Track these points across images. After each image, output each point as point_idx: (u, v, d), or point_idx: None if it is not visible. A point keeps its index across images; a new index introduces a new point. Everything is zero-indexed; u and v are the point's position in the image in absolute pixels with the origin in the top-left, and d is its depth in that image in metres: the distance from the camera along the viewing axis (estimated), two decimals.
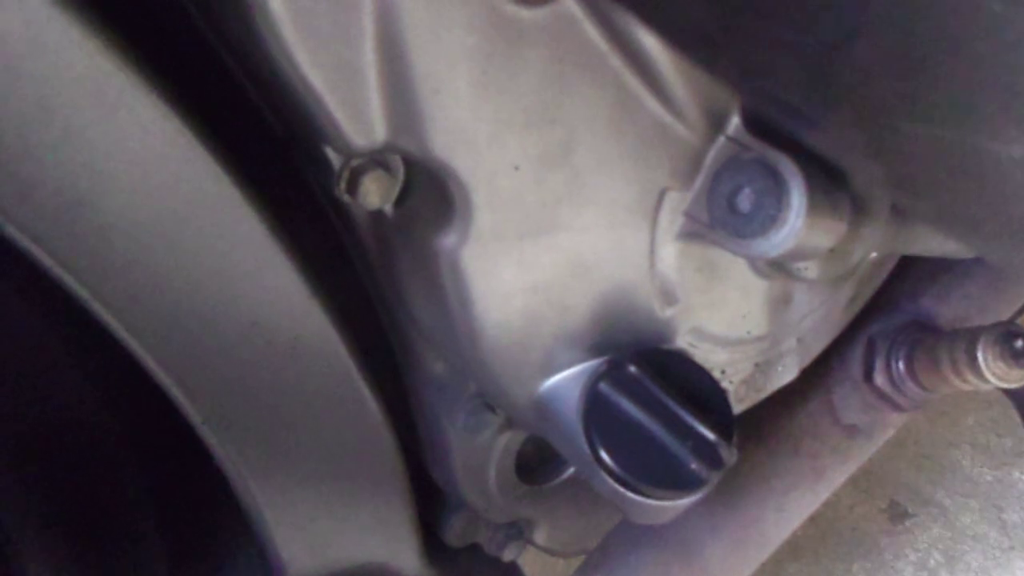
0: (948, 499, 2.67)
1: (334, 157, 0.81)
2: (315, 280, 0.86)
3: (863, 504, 2.63)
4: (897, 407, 1.36)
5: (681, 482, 0.89)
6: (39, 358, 1.05)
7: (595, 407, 0.91)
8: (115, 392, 1.09)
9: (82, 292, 0.73)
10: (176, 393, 0.83)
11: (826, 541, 2.52)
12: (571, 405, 0.94)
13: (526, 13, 0.76)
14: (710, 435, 0.89)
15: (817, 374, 1.37)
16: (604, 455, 0.90)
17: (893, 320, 1.37)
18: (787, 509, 1.42)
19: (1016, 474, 2.75)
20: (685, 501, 0.91)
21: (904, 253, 1.14)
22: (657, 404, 0.90)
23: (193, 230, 0.75)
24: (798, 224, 0.83)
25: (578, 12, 0.78)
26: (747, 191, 0.86)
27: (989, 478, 2.74)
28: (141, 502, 1.15)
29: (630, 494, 0.90)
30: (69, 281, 0.72)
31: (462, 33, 0.74)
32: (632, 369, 0.91)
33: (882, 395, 1.35)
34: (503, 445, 1.15)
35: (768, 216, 0.84)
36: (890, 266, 1.31)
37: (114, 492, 1.14)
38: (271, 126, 0.84)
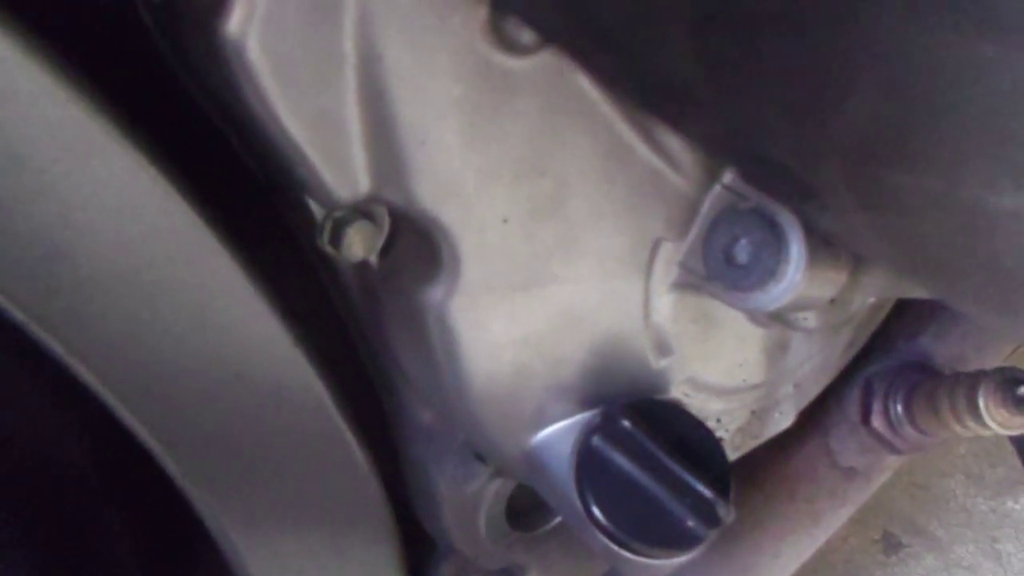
0: (942, 530, 2.65)
1: (316, 207, 0.79)
2: (299, 329, 0.83)
3: (856, 535, 2.61)
4: (895, 449, 1.35)
5: (676, 540, 0.87)
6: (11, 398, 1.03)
7: (588, 462, 0.89)
8: (90, 426, 1.07)
9: (56, 347, 0.71)
10: (155, 447, 0.81)
11: (818, 574, 2.50)
12: (563, 459, 0.91)
13: (515, 62, 0.74)
14: (707, 492, 0.87)
15: (813, 416, 1.36)
16: (597, 512, 0.87)
17: (890, 361, 1.36)
18: (783, 555, 1.41)
19: (1010, 504, 2.74)
20: (679, 560, 0.89)
21: (904, 297, 1.12)
22: (652, 459, 0.88)
23: (172, 281, 0.73)
24: (797, 277, 0.81)
25: (567, 61, 0.76)
26: (744, 242, 0.84)
27: (983, 508, 2.72)
28: (118, 542, 1.13)
29: (623, 552, 0.87)
30: (42, 336, 0.70)
31: (449, 83, 0.72)
32: (626, 423, 0.89)
33: (879, 438, 1.34)
34: (493, 492, 1.13)
35: (766, 269, 0.82)
36: (888, 308, 1.30)
37: (90, 531, 1.11)
38: (252, 172, 0.81)
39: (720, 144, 0.82)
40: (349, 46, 0.68)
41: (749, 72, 0.64)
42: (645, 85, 0.76)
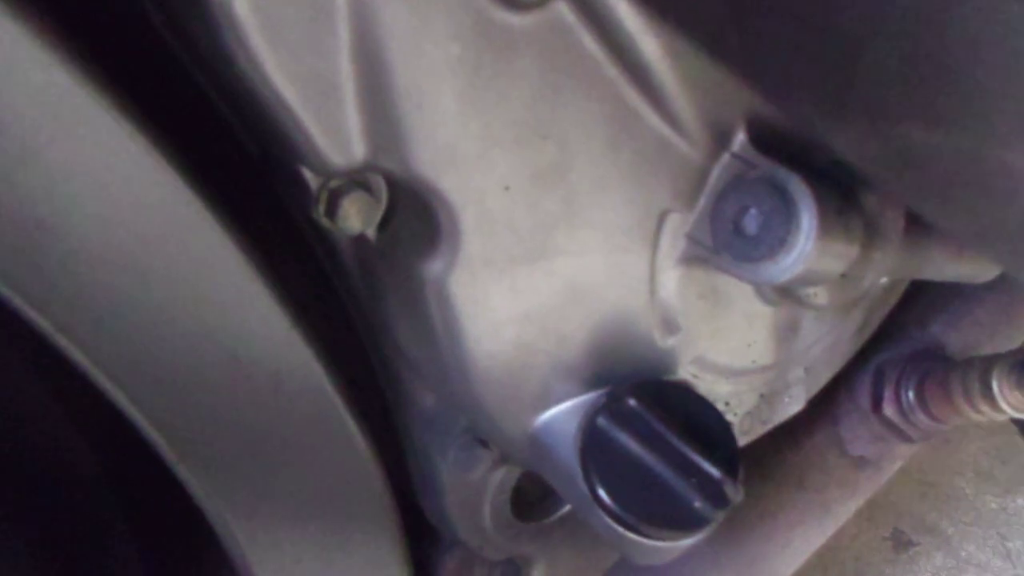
0: (951, 527, 2.65)
1: (311, 178, 0.77)
2: (296, 310, 0.82)
3: (866, 533, 2.61)
4: (906, 438, 1.34)
5: (684, 521, 0.86)
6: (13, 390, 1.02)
7: (593, 443, 0.88)
8: (94, 424, 1.06)
9: (44, 324, 0.69)
10: (150, 432, 0.79)
11: (828, 572, 2.50)
12: (568, 441, 0.90)
13: (516, 19, 0.72)
14: (715, 472, 0.86)
15: (823, 404, 1.36)
16: (603, 493, 0.86)
17: (902, 348, 1.35)
18: (793, 545, 1.40)
19: (1020, 501, 2.73)
20: (687, 541, 0.88)
21: (916, 278, 1.10)
22: (658, 439, 0.87)
23: (163, 257, 0.71)
24: (808, 247, 0.79)
25: (572, 18, 0.74)
26: (754, 212, 0.82)
27: (993, 506, 2.72)
28: (120, 536, 1.12)
29: (630, 534, 0.86)
30: (29, 312, 0.68)
31: (446, 42, 0.69)
32: (632, 402, 0.87)
33: (891, 426, 1.33)
34: (498, 481, 1.12)
35: (776, 239, 0.80)
36: (900, 291, 1.29)
37: (93, 527, 1.10)
38: (244, 144, 0.79)
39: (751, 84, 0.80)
40: (341, 1, 0.65)
41: (776, 13, 0.63)
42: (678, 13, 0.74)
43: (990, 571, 2.56)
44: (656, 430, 0.87)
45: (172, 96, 0.77)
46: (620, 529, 0.86)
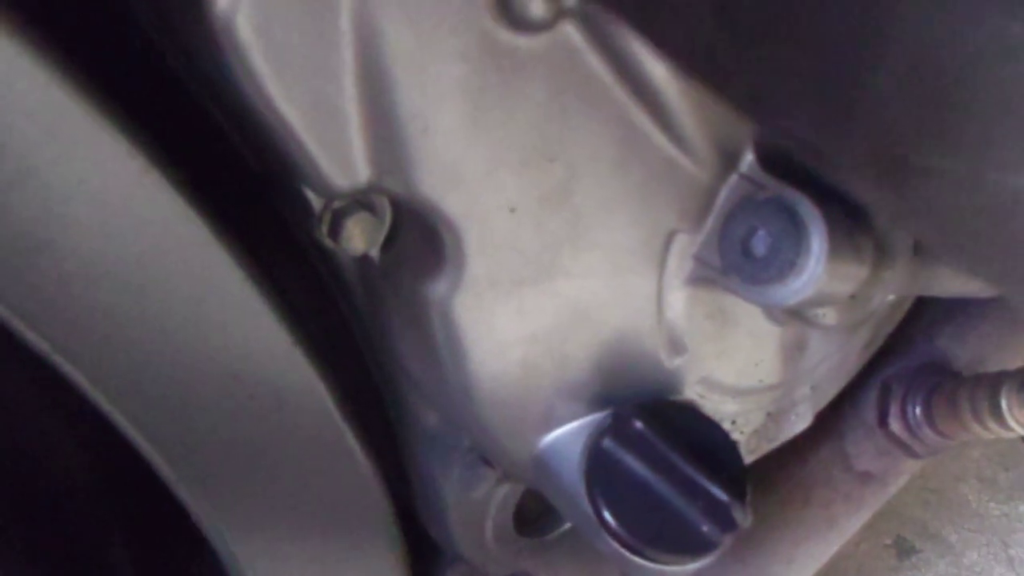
0: (955, 534, 2.64)
1: (314, 198, 0.76)
2: (299, 328, 0.81)
3: (869, 540, 2.60)
4: (912, 453, 1.34)
5: (691, 546, 0.85)
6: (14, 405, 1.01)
7: (598, 465, 0.87)
8: (88, 429, 1.05)
9: (41, 345, 0.68)
10: (148, 451, 0.78)
11: None
12: (572, 462, 0.89)
13: (522, 41, 0.71)
14: (722, 495, 0.85)
15: (828, 419, 1.35)
16: (608, 516, 0.85)
17: (908, 362, 1.34)
18: (798, 561, 1.40)
19: (1023, 508, 2.72)
20: (694, 566, 0.87)
21: (924, 294, 1.09)
22: (665, 462, 0.86)
23: (163, 276, 0.70)
24: (818, 270, 0.78)
25: (579, 40, 0.73)
26: (762, 234, 0.81)
27: (996, 513, 2.71)
28: (116, 551, 1.11)
29: (636, 558, 0.86)
30: (27, 334, 0.67)
31: (452, 64, 0.69)
32: (638, 424, 0.87)
33: (897, 441, 1.33)
34: (501, 498, 1.12)
35: (786, 261, 0.79)
36: (906, 307, 1.27)
37: (88, 540, 1.10)
38: (247, 163, 0.79)
39: (749, 111, 0.80)
40: (346, 23, 0.65)
41: (774, 37, 0.62)
42: (674, 43, 0.73)
43: None
44: (662, 452, 0.86)
45: (174, 115, 0.77)
46: (626, 553, 0.85)
